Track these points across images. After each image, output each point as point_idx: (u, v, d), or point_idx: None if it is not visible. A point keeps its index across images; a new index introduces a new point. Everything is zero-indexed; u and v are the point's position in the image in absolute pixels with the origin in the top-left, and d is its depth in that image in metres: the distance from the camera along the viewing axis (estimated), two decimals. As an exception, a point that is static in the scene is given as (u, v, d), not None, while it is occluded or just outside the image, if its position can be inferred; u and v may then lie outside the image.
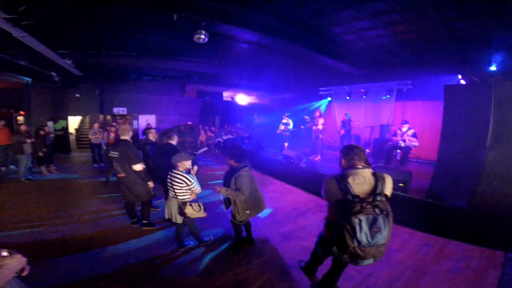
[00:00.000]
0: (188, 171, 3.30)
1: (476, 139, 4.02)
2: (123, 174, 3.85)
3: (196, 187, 3.26)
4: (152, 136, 5.05)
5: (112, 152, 3.80)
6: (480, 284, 2.86)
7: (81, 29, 6.04)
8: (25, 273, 1.28)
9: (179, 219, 3.29)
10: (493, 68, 6.16)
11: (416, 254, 3.50)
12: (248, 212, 3.33)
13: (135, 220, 4.25)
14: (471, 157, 4.12)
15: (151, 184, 4.07)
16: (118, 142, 3.91)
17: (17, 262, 1.22)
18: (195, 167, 3.42)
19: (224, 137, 11.02)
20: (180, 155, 3.22)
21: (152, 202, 4.99)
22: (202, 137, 11.32)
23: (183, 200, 3.23)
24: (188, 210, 3.23)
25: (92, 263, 3.19)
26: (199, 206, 3.32)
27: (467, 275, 3.03)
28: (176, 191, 3.20)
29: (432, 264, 3.28)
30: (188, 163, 3.26)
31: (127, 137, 3.92)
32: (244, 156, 3.33)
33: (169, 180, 3.24)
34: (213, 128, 11.86)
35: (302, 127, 10.14)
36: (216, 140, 10.96)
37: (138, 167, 3.87)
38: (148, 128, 5.13)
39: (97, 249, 3.52)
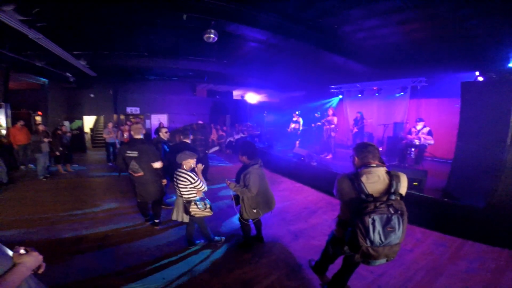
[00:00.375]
0: (193, 170, 3.29)
1: (495, 138, 3.87)
2: (141, 173, 3.85)
3: (201, 185, 3.24)
4: (163, 135, 5.12)
5: (129, 152, 3.78)
6: (497, 286, 2.75)
7: (94, 30, 6.19)
8: (41, 271, 1.30)
9: (185, 218, 3.29)
10: (511, 65, 5.91)
11: (431, 254, 3.40)
12: (255, 210, 3.29)
13: (147, 218, 4.31)
14: (489, 156, 3.97)
15: (164, 181, 4.14)
16: (134, 141, 3.88)
17: (34, 259, 1.23)
18: (199, 165, 3.39)
19: (236, 136, 11.03)
20: (185, 153, 3.22)
21: (164, 200, 5.09)
22: (214, 136, 11.38)
23: (189, 199, 3.23)
24: (193, 209, 3.22)
25: (106, 260, 3.27)
26: (205, 204, 3.30)
27: (483, 276, 2.92)
28: (181, 189, 3.21)
29: (447, 264, 3.18)
30: (193, 161, 3.25)
31: (141, 136, 3.95)
32: (255, 153, 3.31)
33: (174, 179, 3.25)
34: (224, 128, 11.92)
35: (313, 125, 10.04)
36: (228, 140, 11.00)
37: (158, 164, 3.92)
38: (160, 127, 5.23)
39: (111, 247, 3.60)
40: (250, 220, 3.47)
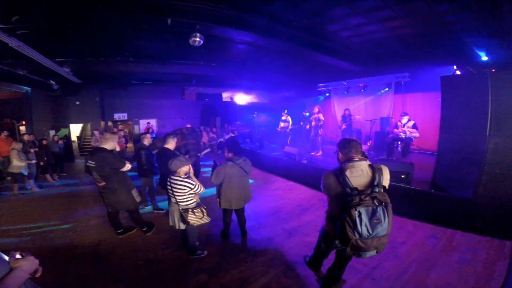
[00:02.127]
0: (188, 175, 3.19)
1: (476, 128, 4.02)
2: (103, 183, 3.70)
3: (199, 189, 3.17)
4: (147, 141, 5.06)
5: (90, 161, 3.62)
6: (489, 275, 2.82)
7: (77, 36, 6.08)
8: (38, 275, 1.30)
9: (182, 226, 3.18)
10: (484, 58, 6.20)
11: (423, 246, 3.49)
12: (218, 199, 3.63)
13: (120, 231, 4.03)
14: (471, 147, 4.13)
15: (134, 192, 3.92)
16: (95, 151, 3.74)
17: (31, 263, 1.23)
18: (192, 170, 3.28)
19: (226, 136, 11.02)
20: (180, 160, 3.08)
21: (156, 204, 5.05)
22: (205, 139, 11.32)
23: (187, 207, 3.12)
24: (191, 218, 3.10)
25: (101, 267, 3.24)
26: (202, 212, 3.19)
27: (476, 266, 2.99)
28: (177, 198, 3.09)
29: (439, 255, 3.25)
30: (188, 168, 3.13)
31: (106, 145, 3.70)
32: (237, 150, 3.57)
33: (169, 187, 3.13)
34: (214, 129, 11.88)
35: (301, 123, 10.17)
36: (219, 141, 11.01)
37: (126, 167, 3.74)
38: (144, 133, 5.20)
39: (105, 253, 3.57)
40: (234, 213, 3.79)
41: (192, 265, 3.23)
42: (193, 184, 3.09)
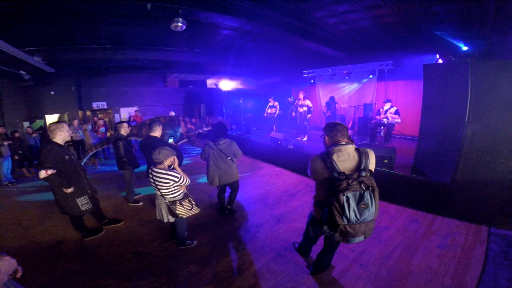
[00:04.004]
0: (172, 167, 3.07)
1: (456, 115, 4.14)
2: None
3: (185, 181, 3.04)
4: (124, 130, 4.76)
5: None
6: (468, 260, 2.93)
7: (48, 24, 5.64)
8: (19, 275, 1.26)
9: (171, 219, 3.10)
10: (465, 48, 6.40)
11: (406, 231, 3.61)
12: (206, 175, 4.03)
13: (83, 234, 3.70)
14: (451, 133, 4.25)
15: (69, 190, 3.34)
16: (42, 142, 3.51)
17: (7, 263, 1.19)
18: (177, 161, 3.16)
19: (205, 129, 10.82)
20: (165, 153, 2.94)
21: (131, 197, 4.87)
22: (182, 129, 11.09)
23: (173, 199, 3.03)
24: (180, 210, 3.03)
25: (90, 261, 3.18)
26: (190, 203, 3.12)
27: (455, 251, 3.11)
28: (162, 191, 2.98)
29: (421, 240, 3.36)
30: (172, 159, 3.02)
31: (54, 137, 3.29)
32: (218, 133, 3.89)
33: (151, 180, 3.01)
34: (193, 120, 11.60)
35: (289, 111, 10.20)
36: (197, 132, 10.83)
37: (42, 173, 3.11)
38: (119, 122, 4.92)
39: (92, 247, 3.50)
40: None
41: (182, 256, 3.23)
42: (177, 177, 2.96)
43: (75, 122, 8.60)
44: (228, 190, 4.30)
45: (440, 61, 6.73)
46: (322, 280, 2.72)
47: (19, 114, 10.72)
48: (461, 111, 4.01)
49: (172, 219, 3.13)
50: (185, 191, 3.21)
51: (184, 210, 3.05)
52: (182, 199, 3.07)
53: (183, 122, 8.24)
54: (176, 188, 3.01)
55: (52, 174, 3.16)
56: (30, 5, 4.51)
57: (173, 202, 3.03)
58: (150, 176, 3.01)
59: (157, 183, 2.96)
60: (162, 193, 3.01)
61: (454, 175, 3.95)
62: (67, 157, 3.36)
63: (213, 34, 7.38)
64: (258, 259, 3.12)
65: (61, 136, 3.34)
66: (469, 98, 3.91)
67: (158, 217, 3.22)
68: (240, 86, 18.00)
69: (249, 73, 13.60)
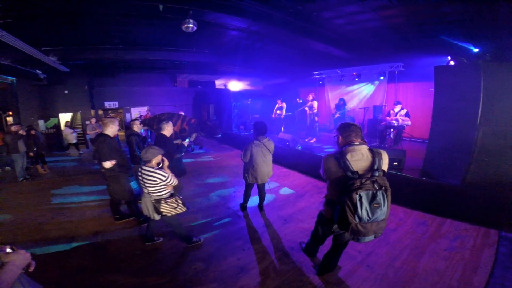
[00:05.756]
0: (160, 166, 3.12)
1: (467, 118, 4.08)
2: (103, 170, 3.79)
3: (172, 181, 3.09)
4: (137, 127, 4.97)
5: (93, 147, 3.78)
6: (476, 263, 2.89)
7: (63, 24, 5.82)
8: (31, 269, 1.28)
9: (157, 217, 3.13)
10: (475, 50, 6.27)
11: (413, 233, 3.58)
12: (246, 175, 4.08)
13: (116, 216, 4.16)
14: (462, 136, 4.19)
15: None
16: (97, 137, 3.86)
17: (22, 257, 1.21)
18: (166, 161, 3.23)
19: (193, 136, 10.41)
20: (153, 151, 3.01)
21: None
22: (177, 127, 10.98)
23: (160, 197, 3.06)
24: (165, 208, 3.06)
25: (100, 257, 3.27)
26: (176, 201, 3.14)
27: (463, 254, 3.08)
28: (149, 189, 3.03)
29: (429, 243, 3.34)
30: (159, 158, 3.08)
31: (107, 131, 3.78)
32: (260, 130, 4.01)
33: (140, 178, 3.06)
34: (192, 120, 11.35)
35: (297, 112, 10.19)
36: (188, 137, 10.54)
37: (107, 164, 3.66)
38: (133, 119, 5.09)
39: (103, 243, 3.59)
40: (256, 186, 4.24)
41: (190, 253, 3.28)
42: (165, 176, 3.00)
43: (93, 120, 8.82)
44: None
45: (452, 63, 6.61)
46: (328, 280, 2.72)
47: (34, 112, 11.06)
48: (473, 113, 3.94)
49: (158, 217, 3.15)
50: (172, 190, 3.24)
51: (169, 208, 3.08)
52: (168, 197, 3.11)
53: (180, 121, 8.28)
54: (163, 187, 3.05)
55: (114, 164, 3.70)
56: (46, 5, 4.66)
57: (158, 201, 3.07)
58: (139, 174, 3.06)
59: (145, 181, 3.01)
60: (149, 191, 3.06)
61: (465, 177, 3.89)
62: (118, 147, 3.90)
63: (221, 34, 7.45)
64: (264, 259, 3.14)
65: (112, 129, 3.82)
66: (481, 100, 3.85)
67: (145, 214, 3.26)
68: (248, 87, 18.07)
69: (257, 73, 13.64)
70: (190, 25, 5.35)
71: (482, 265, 2.87)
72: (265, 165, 4.02)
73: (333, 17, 6.19)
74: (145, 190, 3.11)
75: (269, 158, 4.08)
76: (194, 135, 7.85)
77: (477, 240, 3.37)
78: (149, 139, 8.70)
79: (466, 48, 6.34)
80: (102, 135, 3.77)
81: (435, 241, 3.39)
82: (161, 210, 3.05)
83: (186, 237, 3.41)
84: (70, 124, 8.91)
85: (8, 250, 1.19)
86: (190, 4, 4.76)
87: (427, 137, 5.25)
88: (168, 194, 3.14)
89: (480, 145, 3.83)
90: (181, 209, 3.18)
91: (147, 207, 3.15)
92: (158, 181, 2.98)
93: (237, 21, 6.15)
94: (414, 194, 4.42)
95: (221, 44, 8.63)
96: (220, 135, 8.49)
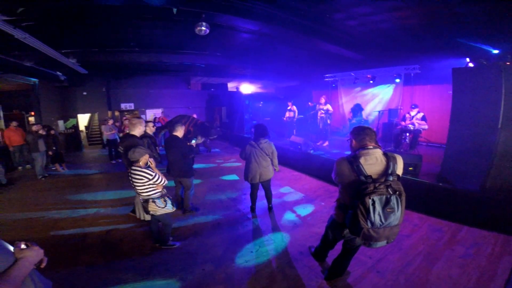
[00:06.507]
0: (147, 166, 3.16)
1: (487, 121, 3.93)
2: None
3: (160, 180, 3.11)
4: (149, 129, 5.00)
5: (120, 147, 3.83)
6: (493, 271, 2.78)
7: (82, 27, 6.04)
8: (43, 265, 1.30)
9: (147, 217, 3.16)
10: (495, 51, 6.01)
11: (428, 240, 3.47)
12: (244, 174, 4.28)
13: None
14: (482, 140, 4.04)
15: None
16: (125, 137, 3.92)
17: (36, 253, 1.23)
18: (152, 161, 3.24)
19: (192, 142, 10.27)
20: (139, 151, 3.05)
21: None
22: (184, 129, 10.96)
23: (148, 197, 3.10)
24: (152, 208, 3.11)
25: (111, 255, 3.33)
26: (165, 201, 3.18)
27: (480, 261, 2.96)
28: (137, 188, 3.08)
29: (444, 249, 3.23)
30: (146, 157, 3.11)
31: (135, 132, 3.85)
32: (257, 133, 4.15)
33: (130, 178, 3.11)
34: (199, 120, 11.25)
35: (308, 115, 10.12)
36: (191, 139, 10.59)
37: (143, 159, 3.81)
38: (146, 121, 5.19)
39: (115, 241, 3.66)
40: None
41: (199, 254, 3.29)
42: (151, 174, 3.04)
43: (110, 122, 9.05)
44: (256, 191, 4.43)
45: (471, 64, 6.37)
46: (336, 285, 2.65)
47: (55, 113, 11.51)
48: (494, 117, 3.78)
49: (148, 218, 3.18)
50: (164, 191, 3.26)
51: (156, 208, 3.12)
52: (156, 197, 3.14)
53: (188, 122, 8.29)
54: (151, 186, 3.08)
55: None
56: (65, 9, 4.84)
57: (146, 200, 3.11)
58: (129, 174, 3.12)
59: (133, 180, 3.06)
60: (138, 191, 3.11)
61: (484, 183, 3.72)
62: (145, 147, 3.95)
63: (233, 37, 7.49)
64: (272, 262, 3.10)
65: (139, 130, 3.91)
66: (502, 104, 3.68)
67: (138, 216, 3.33)
68: (259, 90, 18.11)
69: (269, 76, 13.63)
70: (203, 28, 5.42)
71: (499, 273, 2.74)
72: (256, 164, 4.11)
73: (345, 18, 6.09)
74: (135, 190, 3.16)
75: (263, 159, 4.12)
76: (199, 138, 7.90)
77: (496, 247, 3.21)
78: (163, 142, 8.82)
79: (485, 49, 6.10)
80: (130, 136, 3.84)
81: (450, 248, 3.26)
82: (149, 209, 3.11)
83: (165, 238, 3.43)
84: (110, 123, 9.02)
85: (23, 246, 1.21)
86: (202, 7, 4.82)
87: (444, 141, 5.09)
88: (158, 194, 3.16)
89: (501, 149, 3.66)
90: (169, 209, 3.22)
91: (138, 208, 3.20)
92: (145, 179, 3.01)
93: (248, 24, 6.16)
94: (429, 199, 4.27)
95: (233, 46, 8.68)
96: (216, 137, 8.55)
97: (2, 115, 8.52)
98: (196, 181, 5.47)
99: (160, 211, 3.15)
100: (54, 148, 7.49)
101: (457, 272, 2.79)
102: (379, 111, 8.68)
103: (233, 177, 6.69)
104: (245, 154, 4.18)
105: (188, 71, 12.11)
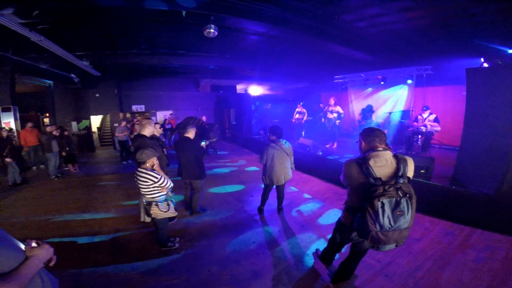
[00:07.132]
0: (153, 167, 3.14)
1: (502, 123, 3.79)
2: None
3: (165, 182, 3.09)
4: (157, 131, 5.03)
5: (131, 146, 3.92)
6: (506, 276, 2.68)
7: (94, 30, 6.21)
8: (52, 263, 1.33)
9: (147, 219, 3.14)
10: (511, 51, 5.81)
11: (439, 243, 3.37)
12: (263, 177, 4.20)
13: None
14: (497, 142, 3.90)
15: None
16: (136, 137, 3.97)
17: (46, 252, 1.26)
18: (156, 162, 3.19)
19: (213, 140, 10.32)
20: (148, 153, 3.04)
21: None
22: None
23: (152, 199, 3.09)
24: (154, 211, 3.10)
25: (118, 256, 3.37)
26: (168, 205, 3.16)
27: (492, 265, 2.86)
28: (142, 190, 3.07)
29: (455, 253, 3.13)
30: (153, 160, 3.09)
31: (144, 132, 3.89)
32: (276, 134, 4.10)
33: (135, 179, 3.10)
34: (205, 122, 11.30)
35: (318, 117, 10.02)
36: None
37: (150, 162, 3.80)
38: (155, 123, 5.28)
39: (123, 241, 3.70)
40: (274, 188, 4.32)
41: (205, 256, 3.29)
42: (156, 177, 3.02)
43: (123, 123, 9.23)
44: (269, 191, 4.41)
45: (485, 65, 6.17)
46: (343, 289, 2.59)
47: (68, 114, 11.83)
48: (510, 118, 3.63)
49: (148, 219, 3.16)
50: (170, 195, 3.24)
51: (159, 212, 3.11)
52: (160, 201, 3.12)
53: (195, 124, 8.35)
54: (156, 188, 3.06)
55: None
56: (78, 12, 4.98)
57: (150, 203, 3.10)
58: (135, 175, 3.11)
59: (138, 182, 3.05)
60: (142, 192, 3.10)
61: (500, 186, 3.58)
62: (156, 148, 3.97)
63: (241, 39, 7.55)
64: (278, 264, 3.07)
65: (149, 130, 3.95)
66: (519, 104, 3.54)
67: (142, 219, 3.32)
68: (268, 92, 18.11)
69: (277, 78, 13.63)
70: (212, 30, 5.47)
71: (514, 277, 2.62)
72: (281, 166, 4.05)
73: (354, 19, 6.04)
74: (140, 191, 3.16)
75: (285, 159, 4.11)
76: (213, 137, 7.94)
77: (510, 251, 3.09)
78: (172, 143, 8.95)
79: (501, 49, 5.91)
80: (141, 136, 3.87)
81: (462, 252, 3.15)
82: (151, 212, 3.10)
83: (163, 241, 3.42)
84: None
85: (34, 244, 1.24)
86: (211, 9, 4.86)
87: (458, 144, 4.94)
88: (163, 197, 3.16)
89: (518, 152, 3.51)
90: (171, 213, 3.22)
91: (142, 209, 3.18)
92: (150, 182, 3.00)
93: (257, 26, 6.19)
94: (441, 203, 4.15)
95: (241, 48, 8.74)
96: (215, 140, 8.59)
97: (18, 116, 8.79)
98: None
99: (162, 215, 3.14)
100: (67, 149, 7.68)
101: (468, 276, 2.70)
102: (389, 113, 8.52)
103: (240, 178, 6.71)
104: (266, 157, 4.07)
105: (197, 73, 12.25)
